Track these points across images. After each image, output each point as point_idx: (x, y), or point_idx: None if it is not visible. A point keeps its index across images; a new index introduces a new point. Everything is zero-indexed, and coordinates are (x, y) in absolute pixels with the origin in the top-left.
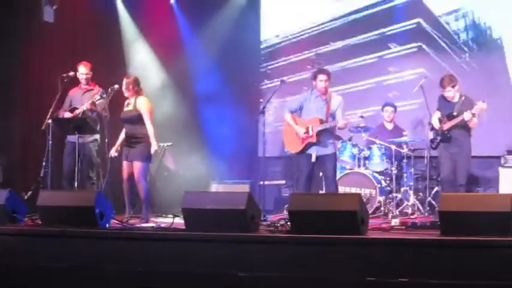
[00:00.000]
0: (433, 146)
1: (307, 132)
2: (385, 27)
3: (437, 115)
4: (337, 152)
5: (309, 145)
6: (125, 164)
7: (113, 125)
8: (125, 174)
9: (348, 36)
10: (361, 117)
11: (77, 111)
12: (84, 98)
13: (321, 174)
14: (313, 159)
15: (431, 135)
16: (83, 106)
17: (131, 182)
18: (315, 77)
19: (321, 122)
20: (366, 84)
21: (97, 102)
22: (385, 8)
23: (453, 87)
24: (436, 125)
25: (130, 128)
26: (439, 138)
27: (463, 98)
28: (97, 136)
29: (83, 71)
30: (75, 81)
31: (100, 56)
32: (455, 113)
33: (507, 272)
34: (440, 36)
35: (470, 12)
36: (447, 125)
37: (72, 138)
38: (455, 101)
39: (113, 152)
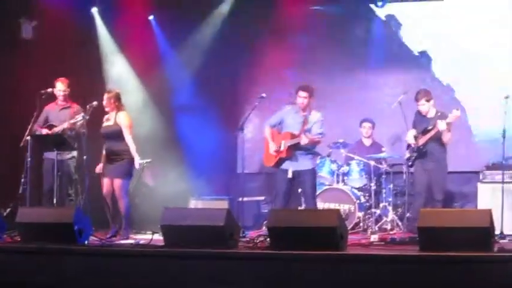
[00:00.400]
0: (410, 164)
1: (279, 147)
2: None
3: (412, 132)
4: (315, 168)
5: (282, 160)
6: (104, 180)
7: (92, 140)
8: (104, 191)
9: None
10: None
11: (56, 129)
12: (61, 114)
13: (300, 190)
14: (289, 175)
15: (407, 153)
16: (63, 125)
17: (113, 198)
18: (296, 92)
19: (292, 136)
20: (345, 99)
21: (78, 124)
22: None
23: (427, 101)
24: (411, 141)
25: (110, 144)
26: (414, 155)
27: (439, 113)
28: (75, 153)
29: (60, 87)
30: (51, 97)
31: (78, 72)
32: (430, 127)
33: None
34: (416, 55)
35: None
36: (422, 140)
37: (50, 155)
38: (431, 117)
39: (98, 169)
